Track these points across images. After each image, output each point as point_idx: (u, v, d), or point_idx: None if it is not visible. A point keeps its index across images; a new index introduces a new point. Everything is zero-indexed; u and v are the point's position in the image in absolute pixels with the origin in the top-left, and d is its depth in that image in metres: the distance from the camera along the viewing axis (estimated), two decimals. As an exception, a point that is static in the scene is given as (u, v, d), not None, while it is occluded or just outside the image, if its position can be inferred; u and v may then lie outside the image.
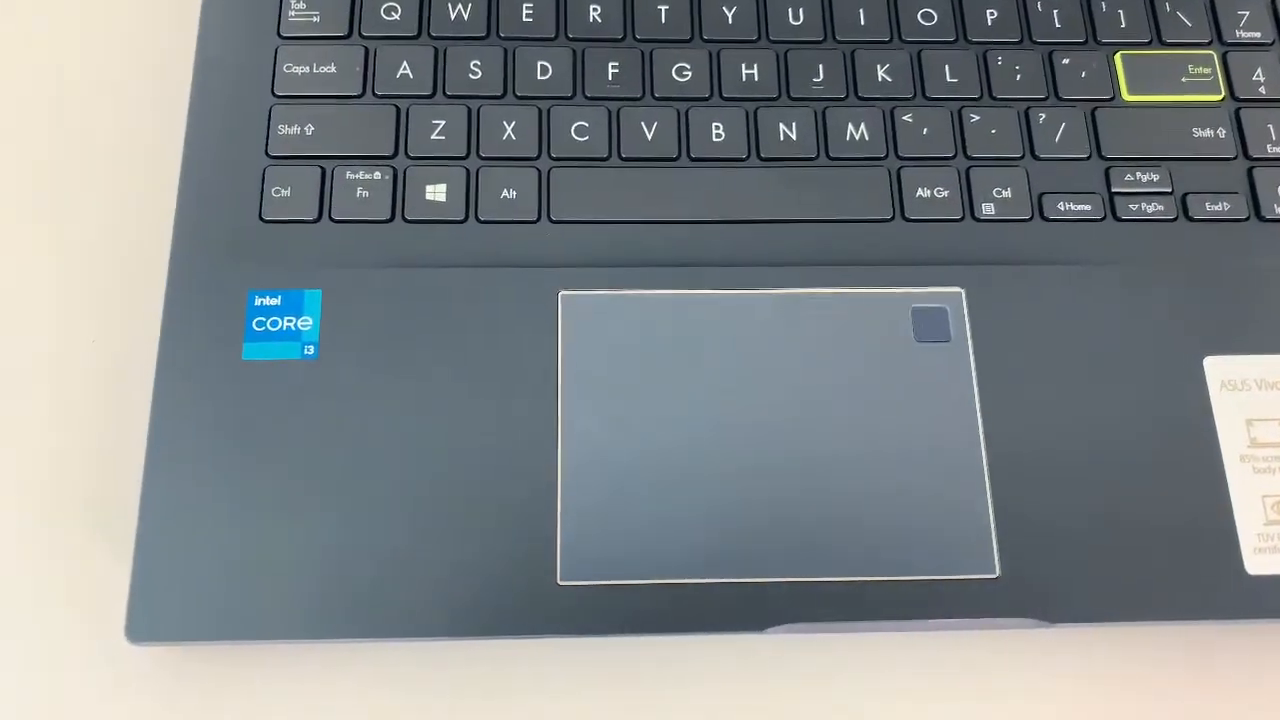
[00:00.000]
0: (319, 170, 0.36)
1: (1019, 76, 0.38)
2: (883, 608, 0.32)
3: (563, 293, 0.35)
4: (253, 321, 0.34)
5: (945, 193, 0.37)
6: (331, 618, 0.31)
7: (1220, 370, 0.34)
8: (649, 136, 0.37)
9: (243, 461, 0.32)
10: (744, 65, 0.38)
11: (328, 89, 0.37)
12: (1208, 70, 0.39)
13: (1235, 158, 0.38)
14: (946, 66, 0.38)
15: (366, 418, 0.33)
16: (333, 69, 0.37)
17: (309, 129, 0.37)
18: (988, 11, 0.39)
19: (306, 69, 0.37)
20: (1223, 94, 0.39)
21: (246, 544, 0.32)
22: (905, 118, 0.38)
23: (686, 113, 0.37)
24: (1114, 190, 0.37)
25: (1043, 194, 0.37)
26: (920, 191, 0.37)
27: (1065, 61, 0.39)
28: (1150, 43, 0.39)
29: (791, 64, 0.38)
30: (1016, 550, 0.32)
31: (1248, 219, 0.37)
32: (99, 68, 0.40)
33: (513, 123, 0.37)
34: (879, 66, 0.38)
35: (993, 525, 0.33)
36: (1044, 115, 0.38)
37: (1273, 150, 0.38)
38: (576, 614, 0.31)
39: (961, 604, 0.32)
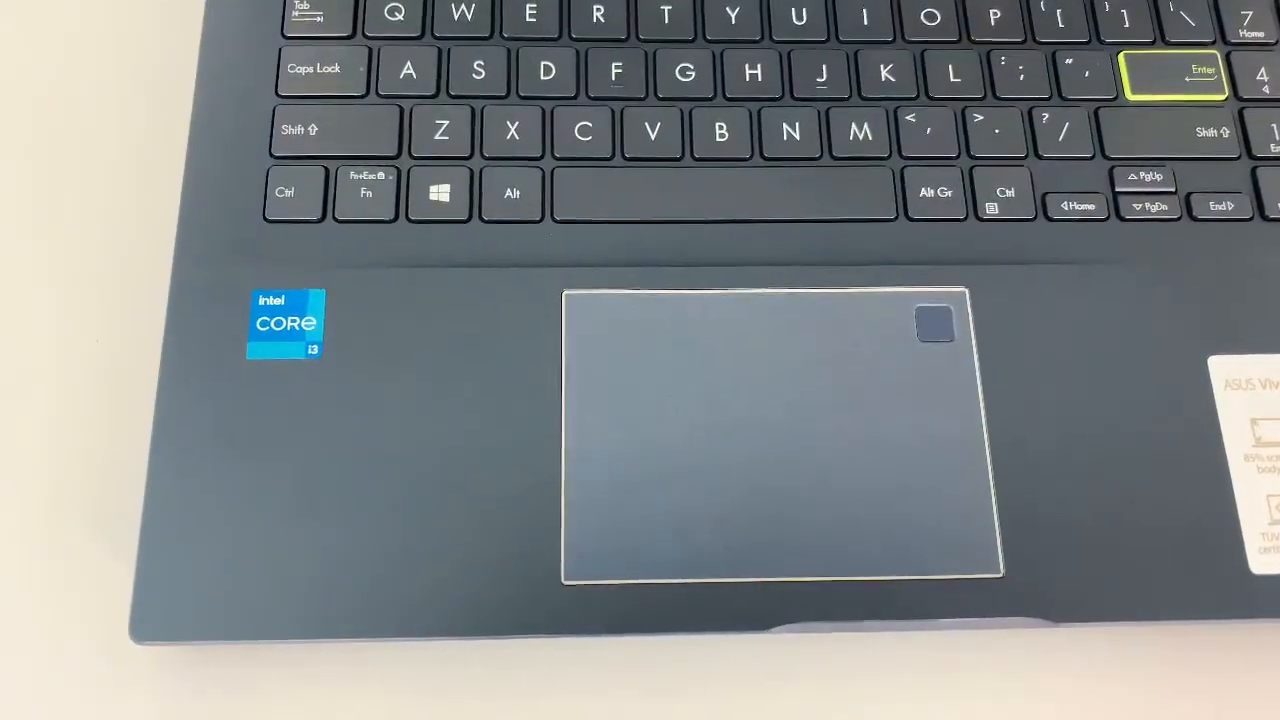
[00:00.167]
0: (323, 170, 0.36)
1: (1022, 76, 0.38)
2: (887, 607, 0.32)
3: (567, 293, 0.35)
4: (256, 321, 0.34)
5: (949, 192, 0.37)
6: (336, 618, 0.31)
7: (1224, 370, 0.34)
8: (652, 136, 0.37)
9: (246, 461, 0.32)
10: (747, 65, 0.38)
11: (331, 89, 0.37)
12: (1211, 70, 0.39)
13: (1239, 157, 0.38)
14: (950, 66, 0.38)
15: (370, 417, 0.33)
16: (336, 69, 0.37)
17: (313, 129, 0.37)
18: (991, 11, 0.39)
19: (310, 69, 0.37)
20: (1226, 94, 0.39)
21: (250, 543, 0.32)
22: (909, 118, 0.38)
23: (690, 113, 0.37)
24: (1118, 190, 0.37)
25: (1046, 194, 0.37)
26: (924, 191, 0.37)
27: (1069, 61, 0.39)
28: (1154, 42, 0.39)
29: (795, 64, 0.38)
30: (1021, 550, 0.32)
31: (1251, 219, 0.37)
32: (102, 68, 0.41)
33: (516, 123, 0.37)
34: (882, 66, 0.38)
35: (997, 525, 0.33)
36: (1047, 115, 0.38)
37: (1276, 150, 0.38)
38: (581, 614, 0.31)
39: (966, 603, 0.32)
